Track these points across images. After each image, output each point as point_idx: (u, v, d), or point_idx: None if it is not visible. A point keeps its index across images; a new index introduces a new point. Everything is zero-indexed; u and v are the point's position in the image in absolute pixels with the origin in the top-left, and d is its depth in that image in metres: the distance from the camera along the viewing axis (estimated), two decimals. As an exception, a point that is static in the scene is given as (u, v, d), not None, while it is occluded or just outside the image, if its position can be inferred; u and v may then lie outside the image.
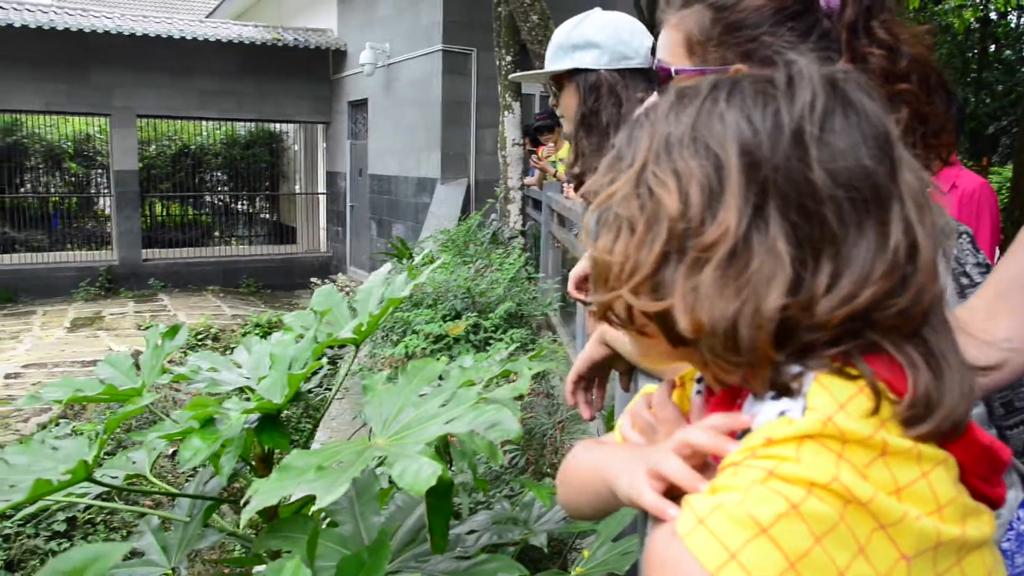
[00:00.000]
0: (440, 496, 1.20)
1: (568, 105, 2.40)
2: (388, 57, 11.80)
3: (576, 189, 2.55)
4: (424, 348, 4.71)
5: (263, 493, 1.18)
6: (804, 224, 0.61)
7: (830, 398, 0.60)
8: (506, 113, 7.90)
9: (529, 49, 6.72)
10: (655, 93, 1.49)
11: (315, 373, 2.04)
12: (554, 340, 5.76)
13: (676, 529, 0.58)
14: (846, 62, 1.09)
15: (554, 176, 7.43)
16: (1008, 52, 17.66)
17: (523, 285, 6.20)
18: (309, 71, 13.93)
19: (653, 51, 2.41)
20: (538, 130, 7.68)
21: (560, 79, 2.36)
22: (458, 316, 5.05)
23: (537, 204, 8.02)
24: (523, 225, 8.59)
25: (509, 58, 7.68)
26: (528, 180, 8.57)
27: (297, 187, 16.37)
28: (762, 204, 0.61)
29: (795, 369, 0.62)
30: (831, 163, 0.62)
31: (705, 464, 0.65)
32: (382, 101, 12.40)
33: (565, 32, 2.13)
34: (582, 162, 2.43)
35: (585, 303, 2.34)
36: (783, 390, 0.62)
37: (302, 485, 1.16)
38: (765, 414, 0.62)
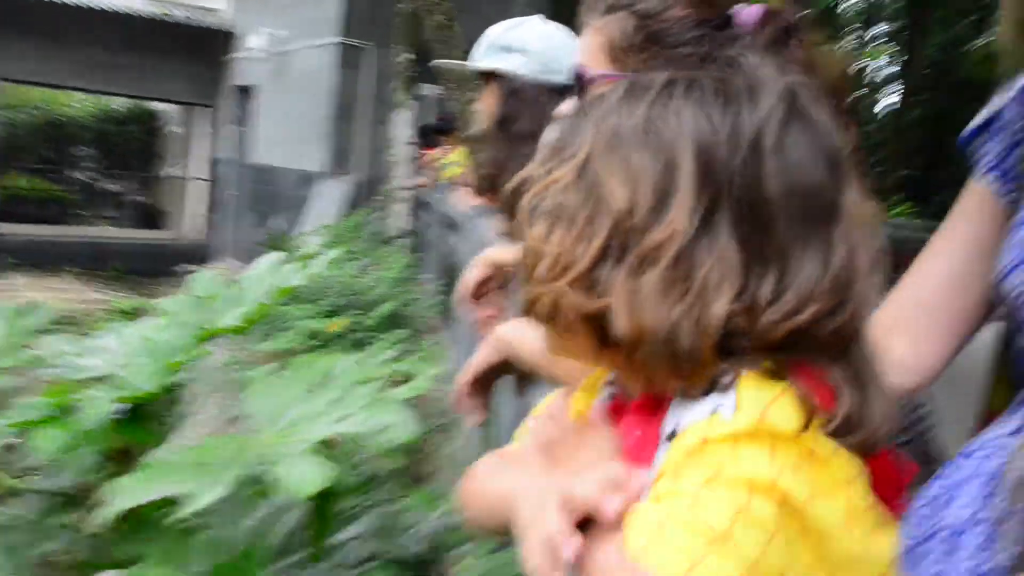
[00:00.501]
0: (324, 500, 1.11)
1: (488, 104, 2.38)
2: (283, 44, 11.44)
3: (488, 191, 2.50)
4: (301, 344, 4.55)
5: (129, 491, 1.07)
6: (754, 232, 0.60)
7: (758, 398, 0.59)
8: (400, 112, 7.76)
9: (432, 48, 6.63)
10: (572, 99, 1.48)
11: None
12: (435, 343, 5.70)
13: (628, 544, 0.55)
14: None
15: (444, 179, 7.38)
16: (875, 97, 19.00)
17: (407, 286, 6.11)
18: (196, 51, 13.31)
19: None
20: (434, 131, 7.61)
21: (485, 77, 2.34)
22: (338, 313, 4.91)
23: (425, 206, 7.94)
24: (410, 226, 8.48)
25: (409, 56, 7.56)
26: (418, 181, 8.48)
27: (174, 170, 15.64)
28: (713, 208, 0.60)
29: (723, 367, 0.61)
30: (786, 174, 0.61)
31: (616, 484, 0.60)
32: (272, 89, 12.01)
33: (499, 31, 2.12)
34: (496, 165, 2.39)
35: (476, 313, 2.29)
36: (707, 389, 0.61)
37: (175, 484, 1.05)
38: (695, 413, 0.60)
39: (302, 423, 1.31)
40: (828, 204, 0.62)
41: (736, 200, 0.60)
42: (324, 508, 1.19)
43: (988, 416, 1.03)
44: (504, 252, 2.26)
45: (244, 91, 12.99)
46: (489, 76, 2.38)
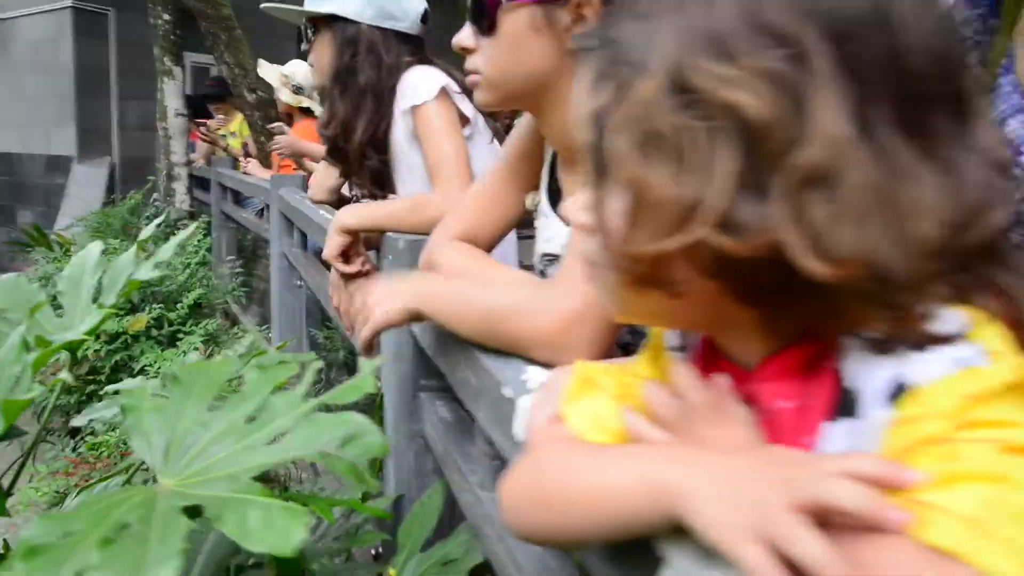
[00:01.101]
0: (291, 559, 0.82)
1: (322, 55, 2.14)
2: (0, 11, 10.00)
3: (329, 153, 2.21)
4: (98, 350, 3.97)
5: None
6: (914, 125, 0.50)
7: (1000, 338, 0.50)
8: (166, 80, 6.96)
9: (191, 7, 5.98)
10: (468, 31, 1.30)
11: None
12: (242, 329, 5.25)
13: (935, 541, 0.43)
14: None
15: (225, 150, 6.78)
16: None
17: (204, 271, 5.57)
18: None
19: (424, 19, 2.18)
20: (206, 99, 6.91)
21: (317, 24, 2.09)
22: (135, 309, 4.33)
23: (206, 182, 7.26)
24: (190, 206, 7.74)
25: (167, 17, 6.77)
26: (193, 156, 7.73)
27: None
28: (863, 102, 0.49)
29: (924, 308, 0.51)
30: (929, 51, 0.51)
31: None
32: (-5, 65, 10.52)
33: None
34: (341, 122, 2.13)
35: (357, 272, 2.01)
36: (925, 336, 0.50)
37: (90, 574, 0.73)
38: (931, 366, 0.50)
39: (217, 452, 1.00)
40: (968, 84, 0.53)
41: (886, 88, 0.50)
42: (293, 567, 0.90)
43: None
44: (353, 215, 2.00)
45: (-40, 70, 11.29)
46: (322, 22, 2.13)
